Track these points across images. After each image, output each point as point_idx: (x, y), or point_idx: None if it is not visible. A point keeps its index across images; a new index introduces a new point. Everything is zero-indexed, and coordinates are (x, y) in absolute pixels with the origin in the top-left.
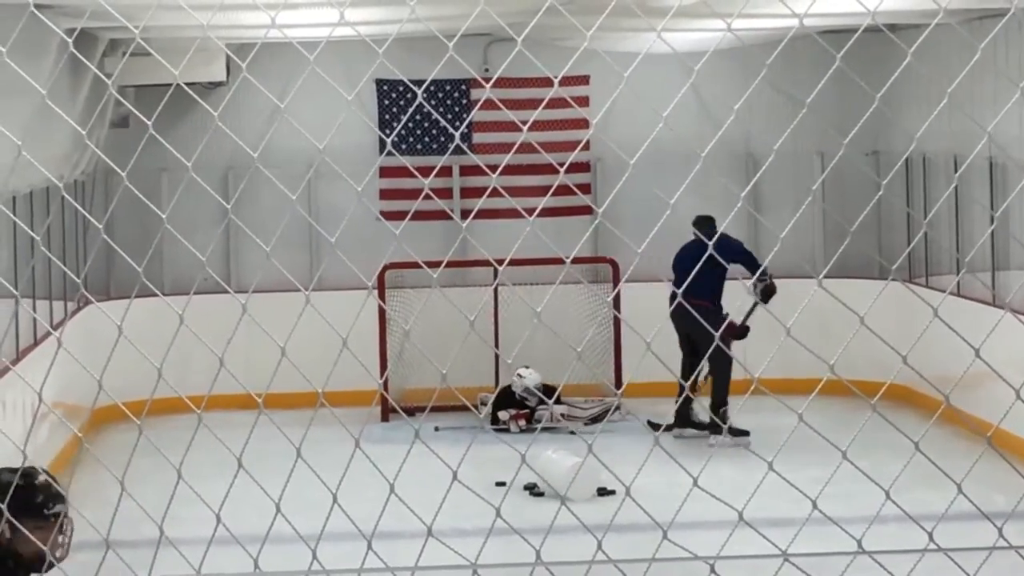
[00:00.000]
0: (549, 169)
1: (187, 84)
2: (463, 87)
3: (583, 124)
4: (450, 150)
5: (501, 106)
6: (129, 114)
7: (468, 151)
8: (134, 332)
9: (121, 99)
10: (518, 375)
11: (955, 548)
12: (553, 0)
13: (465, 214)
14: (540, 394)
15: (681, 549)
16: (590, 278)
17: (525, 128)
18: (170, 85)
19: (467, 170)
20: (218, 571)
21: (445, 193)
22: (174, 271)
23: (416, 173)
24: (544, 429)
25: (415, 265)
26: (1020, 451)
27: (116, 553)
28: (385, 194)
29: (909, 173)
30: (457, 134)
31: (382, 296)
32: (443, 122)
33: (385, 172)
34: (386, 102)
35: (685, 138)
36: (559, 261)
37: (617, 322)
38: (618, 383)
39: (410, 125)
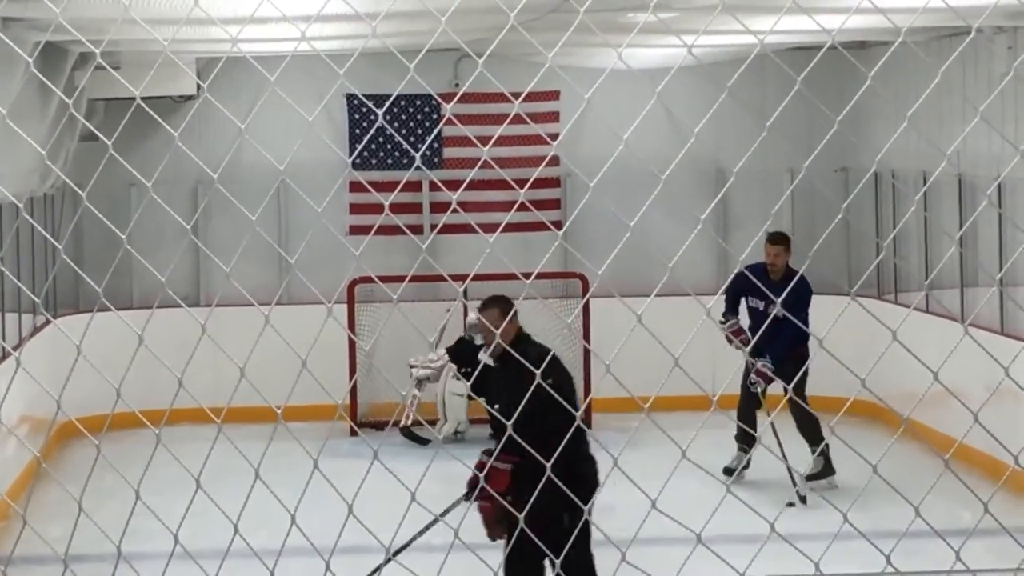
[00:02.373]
0: (518, 184)
1: (157, 97)
2: (433, 102)
3: (552, 140)
4: (414, 166)
5: (457, 123)
6: (99, 127)
7: (426, 169)
8: (102, 344)
9: (80, 118)
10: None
11: (913, 572)
12: (514, 20)
13: (435, 229)
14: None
15: (639, 572)
16: (560, 293)
17: (488, 145)
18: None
19: (436, 185)
20: None
21: (415, 208)
22: (142, 284)
23: (372, 190)
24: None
25: (383, 279)
26: (984, 466)
27: (72, 571)
28: (355, 208)
29: (878, 190)
30: (419, 153)
31: (351, 310)
32: (410, 139)
33: (355, 186)
34: (356, 116)
35: (654, 155)
36: (527, 276)
37: (585, 337)
38: (585, 397)
39: (380, 140)
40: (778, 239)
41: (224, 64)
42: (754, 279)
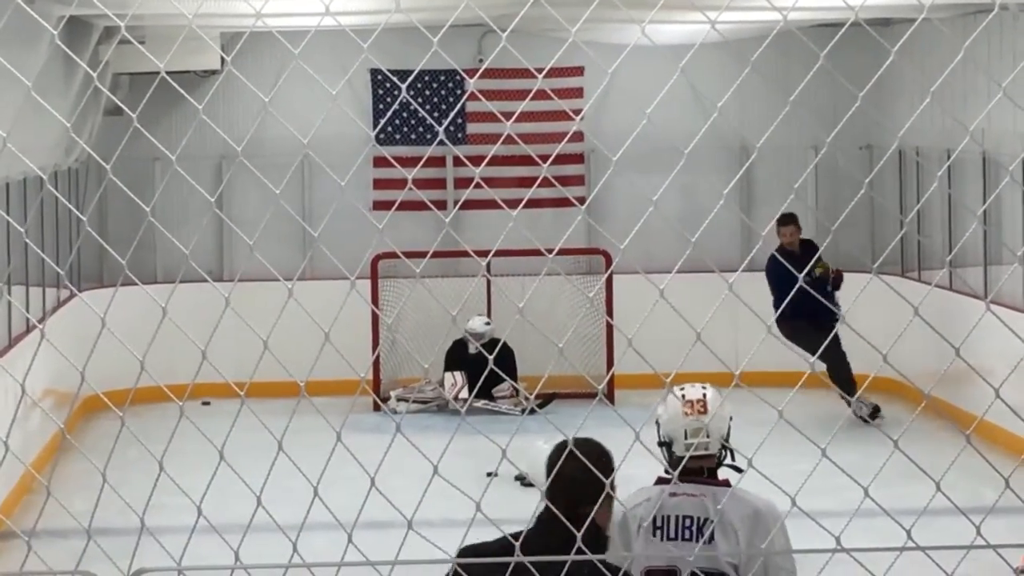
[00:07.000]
0: (542, 160)
1: (181, 72)
2: (457, 77)
3: (576, 115)
4: (437, 140)
5: (482, 98)
6: (123, 102)
7: (450, 143)
8: (127, 319)
9: (104, 90)
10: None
11: (933, 547)
12: None
13: (458, 204)
14: (479, 349)
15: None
16: (583, 269)
17: (510, 121)
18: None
19: (460, 160)
20: (202, 560)
21: (439, 183)
22: (166, 259)
23: (396, 164)
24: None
25: (406, 255)
26: (1006, 443)
27: (96, 543)
28: (379, 184)
29: (902, 167)
30: (441, 128)
31: (375, 286)
32: (434, 114)
33: (379, 162)
34: (380, 92)
35: (678, 133)
36: (549, 252)
37: (608, 313)
38: (607, 372)
39: (404, 115)
40: (790, 219)
41: (246, 40)
42: (783, 261)
